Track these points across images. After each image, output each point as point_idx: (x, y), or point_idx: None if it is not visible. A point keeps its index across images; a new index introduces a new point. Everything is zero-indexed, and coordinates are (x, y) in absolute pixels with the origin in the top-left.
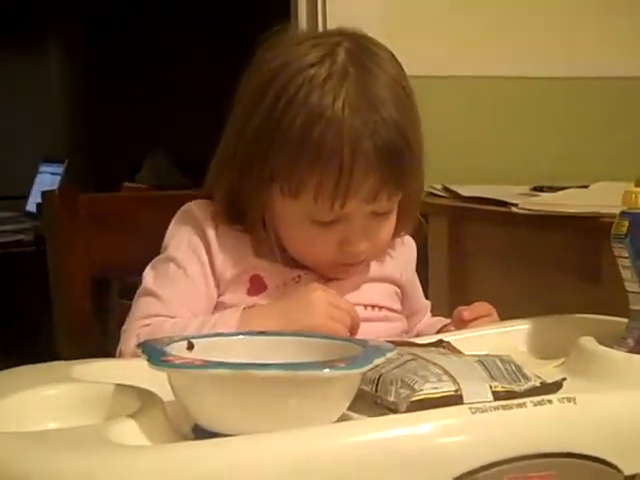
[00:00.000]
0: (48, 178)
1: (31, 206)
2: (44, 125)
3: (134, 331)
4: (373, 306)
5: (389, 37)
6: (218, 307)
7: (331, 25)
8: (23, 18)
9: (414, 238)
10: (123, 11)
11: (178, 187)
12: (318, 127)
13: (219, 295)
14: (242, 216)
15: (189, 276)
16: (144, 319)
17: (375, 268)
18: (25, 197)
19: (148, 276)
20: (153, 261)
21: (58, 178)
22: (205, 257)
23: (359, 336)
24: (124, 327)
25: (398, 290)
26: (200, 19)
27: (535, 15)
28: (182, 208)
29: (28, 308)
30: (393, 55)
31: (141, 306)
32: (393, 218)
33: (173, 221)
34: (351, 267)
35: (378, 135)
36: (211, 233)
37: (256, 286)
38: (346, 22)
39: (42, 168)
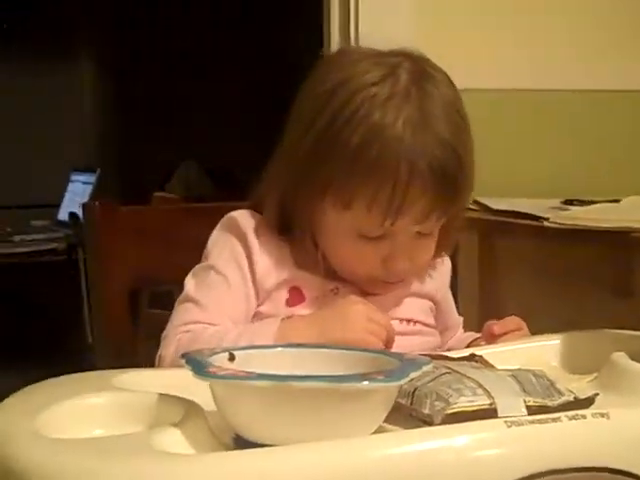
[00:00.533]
0: (80, 187)
1: (63, 215)
2: (76, 134)
3: (174, 337)
4: (408, 320)
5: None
6: (256, 317)
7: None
8: (55, 27)
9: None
10: (154, 25)
11: (209, 198)
12: (377, 143)
13: (258, 305)
14: (289, 227)
15: (230, 284)
16: (184, 325)
17: (414, 284)
18: (57, 206)
19: (189, 283)
20: (195, 268)
21: (89, 187)
22: (246, 266)
23: (395, 349)
24: (164, 333)
25: (433, 306)
26: (232, 33)
27: (564, 26)
28: (225, 216)
29: (59, 316)
30: (448, 77)
31: (181, 313)
32: (434, 240)
33: (216, 229)
34: (391, 284)
35: (434, 156)
36: (254, 242)
37: (295, 297)
38: (377, 40)
39: (74, 177)
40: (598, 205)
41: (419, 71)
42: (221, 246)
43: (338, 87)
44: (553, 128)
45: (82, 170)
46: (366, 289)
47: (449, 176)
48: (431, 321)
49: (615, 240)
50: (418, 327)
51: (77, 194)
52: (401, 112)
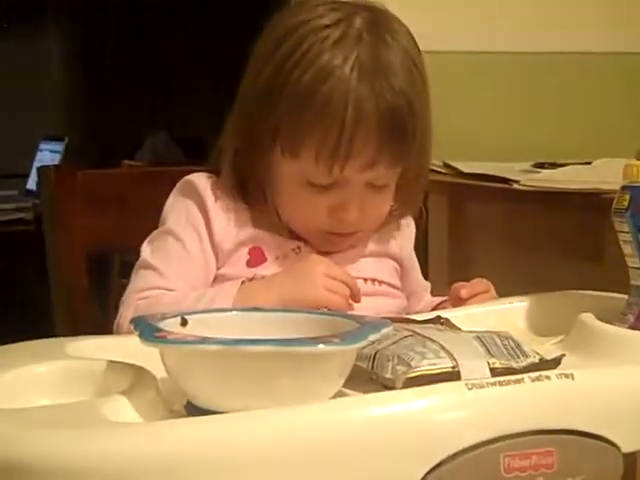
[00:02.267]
0: (48, 156)
1: (31, 184)
2: (44, 103)
3: (132, 303)
4: (373, 280)
5: (395, 13)
6: (217, 279)
7: None
8: None
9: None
10: None
11: (178, 164)
12: (325, 86)
13: (218, 267)
14: (244, 185)
15: (187, 249)
16: (142, 292)
17: (375, 244)
18: (26, 175)
19: (146, 249)
20: (152, 234)
21: (58, 156)
22: (204, 229)
23: (359, 311)
24: (122, 299)
25: (398, 266)
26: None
27: None
28: (181, 180)
29: (27, 286)
30: (410, 33)
31: (139, 279)
32: (389, 194)
33: (172, 193)
34: (343, 238)
35: (383, 100)
36: (211, 204)
37: (256, 258)
38: None
39: (42, 146)
40: (569, 167)
41: (376, 20)
42: (178, 210)
43: (291, 31)
44: (524, 92)
45: (51, 138)
46: (320, 246)
47: (399, 122)
48: (397, 282)
49: (585, 202)
50: (384, 288)
51: (45, 163)
52: (351, 55)
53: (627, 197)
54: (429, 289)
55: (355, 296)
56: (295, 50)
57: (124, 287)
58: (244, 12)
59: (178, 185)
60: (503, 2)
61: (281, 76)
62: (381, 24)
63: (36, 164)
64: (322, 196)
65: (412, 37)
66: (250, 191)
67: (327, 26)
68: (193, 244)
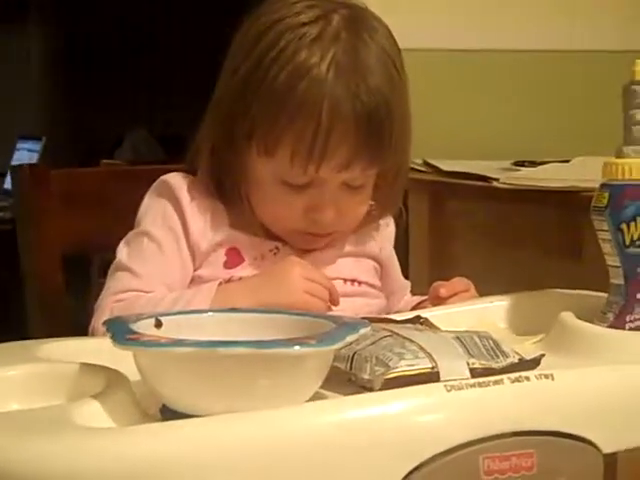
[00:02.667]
0: (26, 155)
1: (9, 184)
2: (22, 101)
3: (108, 306)
4: (352, 280)
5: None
6: (195, 281)
7: None
8: None
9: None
10: None
11: (157, 163)
12: (301, 84)
13: (195, 269)
14: (221, 185)
15: (164, 250)
16: (118, 294)
17: (354, 244)
18: (3, 175)
19: (122, 251)
20: (127, 235)
21: (36, 155)
22: (180, 230)
23: (339, 312)
24: (98, 302)
25: (377, 266)
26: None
27: None
28: (157, 180)
29: (4, 287)
30: (390, 31)
31: (115, 281)
32: (366, 195)
33: (148, 193)
34: (319, 238)
35: (359, 100)
36: (187, 204)
37: (233, 259)
38: None
39: (20, 145)
40: (548, 165)
41: (354, 18)
42: (153, 211)
43: (268, 28)
44: (504, 90)
45: (28, 138)
46: (297, 244)
47: (375, 123)
48: (376, 282)
49: (564, 200)
50: (363, 288)
51: (23, 162)
52: (327, 53)
53: (606, 195)
54: (409, 288)
55: (334, 300)
56: (272, 48)
57: (103, 287)
58: (225, 9)
59: (154, 185)
60: (488, 2)
61: (258, 74)
62: (360, 22)
63: (14, 163)
64: (298, 196)
65: (391, 36)
66: (227, 190)
67: (305, 23)
68: (169, 245)
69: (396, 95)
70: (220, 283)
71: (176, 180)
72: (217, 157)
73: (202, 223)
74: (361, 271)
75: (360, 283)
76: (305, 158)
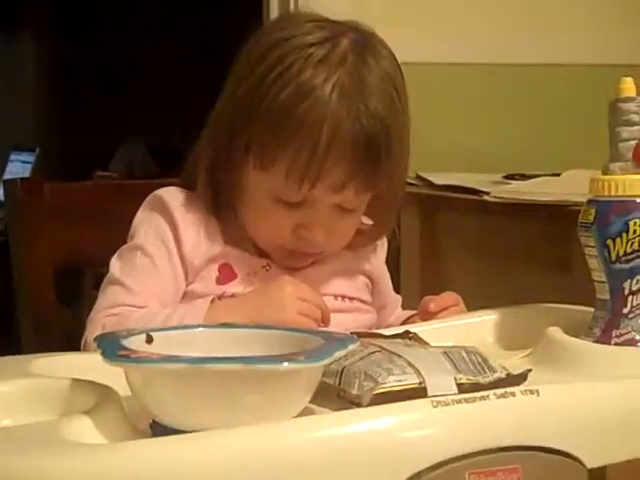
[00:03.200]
0: (19, 167)
1: (2, 196)
2: (15, 112)
3: (100, 321)
4: (343, 297)
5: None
6: (187, 296)
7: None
8: None
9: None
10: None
11: (151, 177)
12: (304, 103)
13: (188, 284)
14: (216, 199)
15: (156, 265)
16: (111, 308)
17: (346, 260)
18: None
19: (115, 265)
20: (120, 249)
21: (29, 167)
22: (173, 245)
23: (332, 327)
24: (90, 316)
25: (369, 282)
26: (181, 9)
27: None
28: (151, 195)
29: None
30: (395, 57)
31: (108, 295)
32: (357, 218)
33: (141, 208)
34: (305, 256)
35: (359, 123)
36: (180, 219)
37: (225, 274)
38: (319, 11)
39: (13, 157)
40: (538, 179)
41: (362, 42)
42: (147, 225)
43: (275, 45)
44: (495, 103)
45: (22, 149)
46: (284, 262)
47: (373, 147)
48: (367, 298)
49: (554, 214)
50: (355, 304)
51: (16, 174)
52: (333, 75)
53: (593, 211)
54: (400, 302)
55: (325, 319)
56: (277, 65)
57: (95, 299)
58: (223, 24)
59: (147, 200)
60: (472, 14)
61: (261, 90)
62: (366, 47)
63: (6, 175)
64: (289, 213)
65: (396, 61)
66: (221, 205)
67: (312, 44)
68: (162, 260)
69: (397, 120)
70: (213, 300)
71: (170, 195)
72: (214, 171)
73: (195, 238)
74: (352, 287)
75: (351, 299)
76: (300, 176)
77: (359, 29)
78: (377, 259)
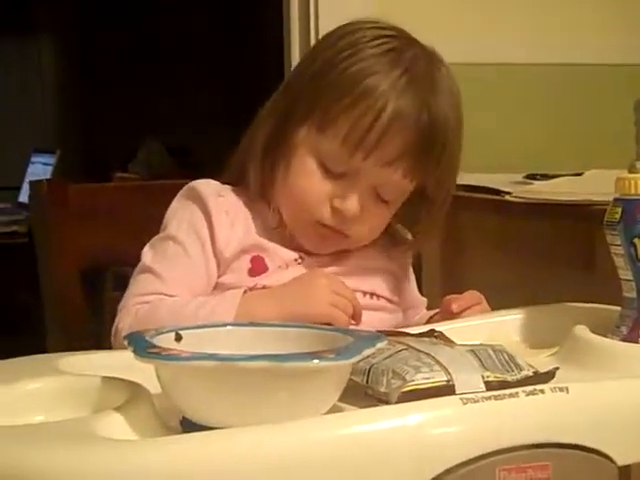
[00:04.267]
0: (40, 168)
1: (24, 197)
2: (36, 115)
3: (132, 308)
4: (372, 294)
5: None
6: (218, 287)
7: (323, 18)
8: (14, 8)
9: None
10: (118, 1)
11: (170, 177)
12: (373, 77)
13: (219, 275)
14: (263, 183)
15: (189, 255)
16: (142, 296)
17: (375, 258)
18: (18, 188)
19: (147, 254)
20: (153, 239)
21: (50, 169)
22: (207, 236)
23: (360, 324)
24: (121, 304)
25: (396, 282)
26: (199, 14)
27: (526, 1)
28: (186, 186)
29: (20, 300)
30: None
31: (139, 283)
32: (390, 211)
33: (176, 198)
34: (333, 233)
35: (426, 108)
36: (214, 211)
37: (257, 267)
38: (339, 15)
39: (34, 159)
40: (560, 179)
41: (429, 55)
42: (180, 215)
43: (344, 36)
44: (517, 103)
45: (43, 151)
46: (309, 243)
47: (431, 135)
48: (395, 298)
49: (577, 214)
50: (382, 302)
51: (38, 176)
52: (403, 64)
53: (619, 210)
54: (425, 305)
55: (357, 315)
56: (346, 49)
57: (117, 300)
58: (236, 27)
59: (182, 190)
60: (496, 14)
61: (330, 66)
62: (434, 57)
63: (28, 177)
64: (329, 182)
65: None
66: (264, 192)
67: (385, 36)
68: (195, 250)
69: (457, 124)
70: (245, 291)
71: (204, 185)
72: (269, 147)
73: (228, 230)
74: (381, 286)
75: (379, 297)
76: (356, 143)
77: (423, 44)
78: (405, 260)
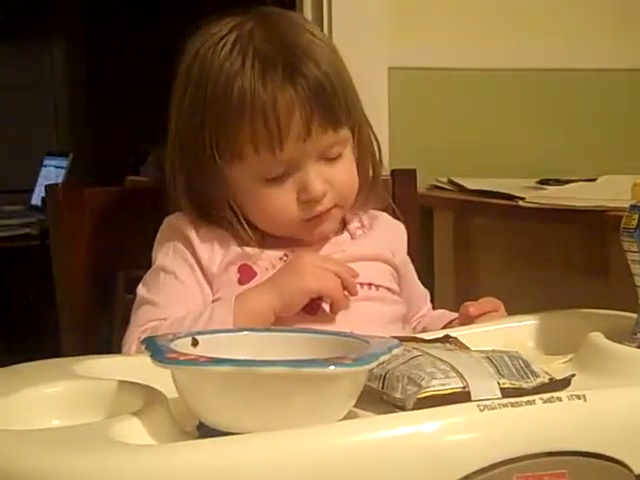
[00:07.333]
0: (53, 171)
1: (36, 200)
2: (48, 118)
3: (134, 339)
4: (369, 284)
5: (395, 31)
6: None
7: (336, 15)
8: (25, 13)
9: (419, 232)
10: (128, 6)
11: None
12: (236, 85)
13: (214, 293)
14: (209, 211)
15: (181, 280)
16: (142, 326)
17: (366, 248)
18: (30, 191)
19: (142, 289)
20: (145, 276)
21: (63, 171)
22: (192, 259)
23: (360, 315)
24: (124, 339)
25: (393, 271)
26: (207, 18)
27: (541, 6)
28: (164, 221)
29: (33, 302)
30: (304, 18)
31: (139, 315)
32: (347, 164)
33: (157, 236)
34: (320, 220)
35: (296, 76)
36: (192, 235)
37: (246, 274)
38: (351, 12)
39: (46, 162)
40: (574, 184)
41: (266, 15)
42: (165, 248)
43: (198, 51)
44: (529, 108)
45: (55, 154)
46: (304, 236)
47: (317, 93)
48: (394, 286)
49: (590, 219)
50: (382, 292)
51: (50, 179)
52: (248, 51)
53: (636, 216)
54: (428, 297)
55: (349, 287)
56: (203, 68)
57: (130, 303)
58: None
59: (161, 229)
60: (504, 19)
61: (199, 94)
62: (271, 17)
63: (41, 180)
64: (283, 187)
65: (306, 20)
66: (217, 212)
67: (222, 36)
68: (186, 275)
69: (318, 52)
70: (236, 296)
71: (178, 218)
72: (194, 187)
73: (210, 249)
74: (377, 275)
75: (378, 287)
76: (267, 145)
77: (265, 10)
78: (399, 247)
